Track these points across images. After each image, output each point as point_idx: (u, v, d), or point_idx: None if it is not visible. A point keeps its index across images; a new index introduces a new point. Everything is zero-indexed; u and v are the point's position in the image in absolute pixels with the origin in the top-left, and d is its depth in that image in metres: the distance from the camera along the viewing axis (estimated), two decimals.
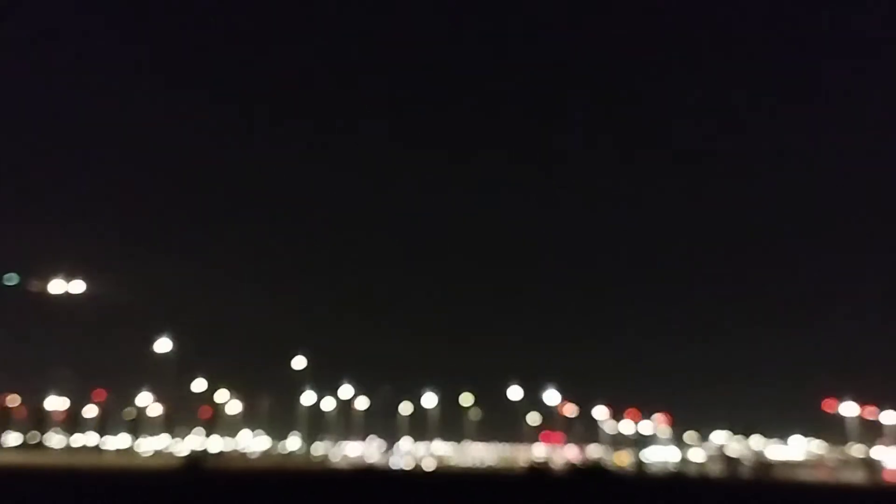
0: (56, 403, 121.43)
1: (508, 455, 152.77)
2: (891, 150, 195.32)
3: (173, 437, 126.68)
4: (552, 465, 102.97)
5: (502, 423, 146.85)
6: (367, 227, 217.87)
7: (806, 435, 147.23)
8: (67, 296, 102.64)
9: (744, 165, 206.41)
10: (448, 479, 64.76)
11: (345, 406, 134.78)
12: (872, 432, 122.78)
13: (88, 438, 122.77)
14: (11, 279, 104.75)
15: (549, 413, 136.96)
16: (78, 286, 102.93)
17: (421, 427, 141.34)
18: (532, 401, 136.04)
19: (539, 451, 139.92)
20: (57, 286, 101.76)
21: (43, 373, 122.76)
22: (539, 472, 68.05)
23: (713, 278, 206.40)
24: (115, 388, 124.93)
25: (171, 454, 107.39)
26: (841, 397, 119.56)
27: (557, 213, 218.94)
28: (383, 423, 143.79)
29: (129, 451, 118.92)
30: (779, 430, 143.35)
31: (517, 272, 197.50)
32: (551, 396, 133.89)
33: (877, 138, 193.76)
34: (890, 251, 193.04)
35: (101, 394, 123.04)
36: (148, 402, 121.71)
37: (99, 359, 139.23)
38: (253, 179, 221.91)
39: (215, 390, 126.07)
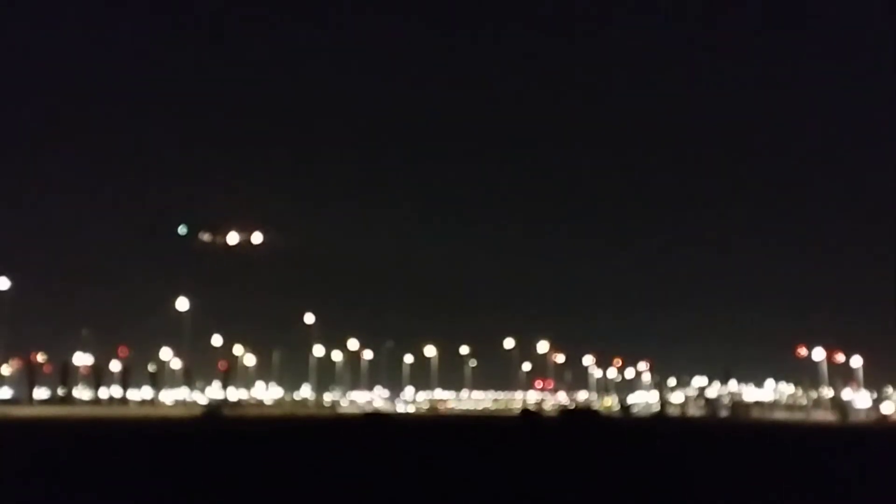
0: (82, 360, 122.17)
1: (503, 401, 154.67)
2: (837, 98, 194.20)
3: (193, 389, 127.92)
4: (543, 410, 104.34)
5: (498, 372, 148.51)
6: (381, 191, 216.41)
7: (779, 379, 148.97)
8: (244, 247, 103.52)
9: (715, 118, 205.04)
10: (448, 423, 65.84)
11: (352, 358, 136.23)
12: (842, 375, 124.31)
13: (113, 392, 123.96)
14: (182, 230, 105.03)
15: (540, 362, 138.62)
16: (257, 237, 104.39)
17: (423, 376, 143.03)
18: (525, 351, 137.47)
19: (532, 397, 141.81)
20: (234, 237, 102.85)
21: (69, 332, 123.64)
22: (531, 415, 69.02)
23: (691, 233, 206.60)
24: (137, 344, 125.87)
25: (191, 404, 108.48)
26: (812, 343, 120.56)
27: (547, 171, 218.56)
28: (388, 374, 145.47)
29: (152, 402, 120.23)
30: (754, 375, 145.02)
31: (511, 233, 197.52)
32: (543, 347, 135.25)
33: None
34: (859, 201, 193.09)
35: (124, 350, 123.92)
36: (168, 357, 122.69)
37: (122, 317, 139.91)
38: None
39: (232, 345, 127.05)
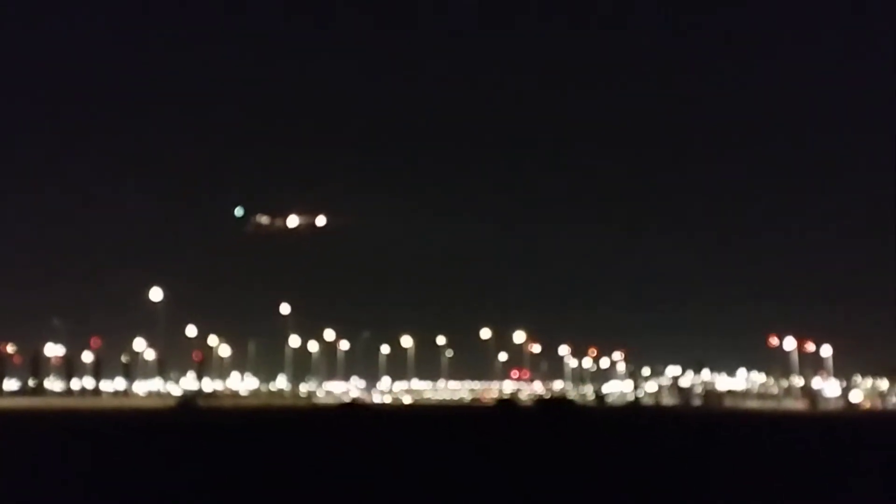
0: (54, 350, 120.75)
1: (479, 391, 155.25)
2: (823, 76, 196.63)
3: (167, 380, 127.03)
4: (519, 399, 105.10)
5: (474, 362, 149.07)
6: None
7: (750, 368, 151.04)
8: (305, 229, 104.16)
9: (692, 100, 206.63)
10: (424, 413, 66.15)
11: (328, 348, 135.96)
12: (812, 365, 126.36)
13: (85, 383, 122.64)
14: (239, 212, 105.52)
15: (516, 352, 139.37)
16: (321, 220, 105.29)
17: (399, 367, 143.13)
18: (501, 341, 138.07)
19: (508, 387, 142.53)
20: (294, 220, 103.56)
21: (39, 321, 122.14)
22: (507, 404, 69.56)
23: (664, 226, 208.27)
24: (110, 334, 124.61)
25: (165, 396, 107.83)
26: (783, 333, 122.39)
27: (524, 167, 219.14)
28: (364, 364, 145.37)
29: (125, 393, 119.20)
30: (726, 364, 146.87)
31: (487, 226, 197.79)
32: (519, 337, 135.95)
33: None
34: (828, 193, 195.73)
35: (96, 341, 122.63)
36: (142, 347, 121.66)
37: (95, 307, 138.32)
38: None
39: (206, 336, 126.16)
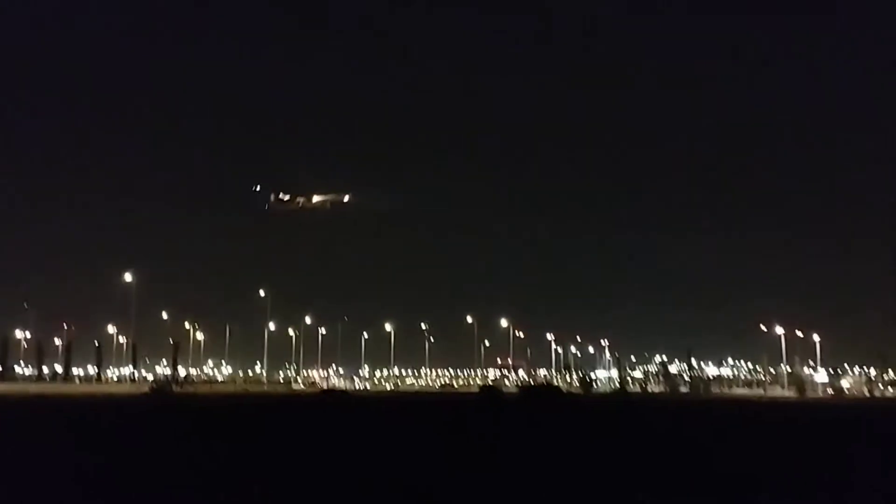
0: (23, 335, 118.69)
1: (463, 378, 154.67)
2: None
3: (140, 365, 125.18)
4: (503, 386, 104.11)
5: (457, 349, 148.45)
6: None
7: (738, 356, 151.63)
8: (325, 205, 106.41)
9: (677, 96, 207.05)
10: (406, 400, 64.91)
11: (308, 334, 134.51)
12: (800, 352, 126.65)
13: (57, 369, 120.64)
14: (256, 187, 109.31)
15: (500, 339, 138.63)
16: (344, 196, 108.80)
17: (382, 353, 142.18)
18: (485, 329, 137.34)
19: (492, 375, 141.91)
20: (317, 197, 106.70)
21: (9, 305, 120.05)
22: (491, 392, 68.37)
23: (653, 217, 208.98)
24: (81, 319, 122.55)
25: (139, 381, 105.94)
26: (772, 321, 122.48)
27: (514, 162, 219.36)
28: (345, 350, 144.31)
29: (98, 379, 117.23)
30: (714, 352, 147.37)
31: (473, 211, 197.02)
32: (503, 324, 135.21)
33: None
34: (819, 187, 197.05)
35: (67, 325, 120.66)
36: (114, 332, 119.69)
37: (66, 292, 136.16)
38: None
39: (183, 321, 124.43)
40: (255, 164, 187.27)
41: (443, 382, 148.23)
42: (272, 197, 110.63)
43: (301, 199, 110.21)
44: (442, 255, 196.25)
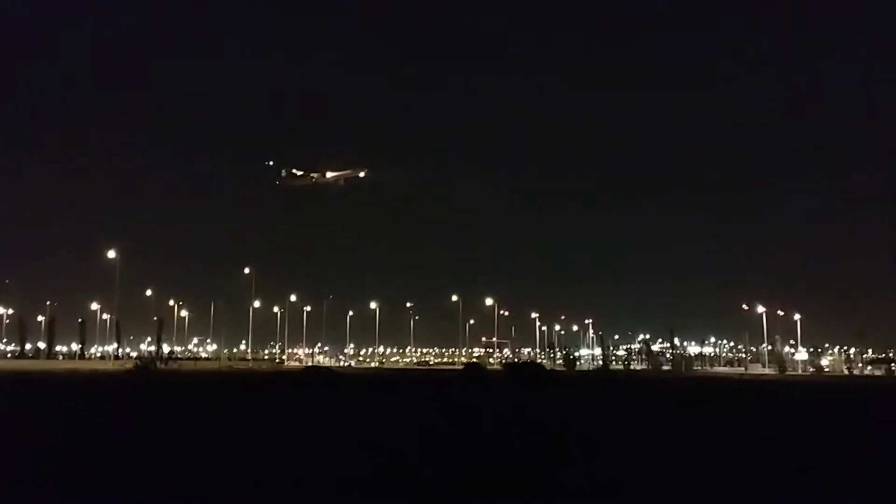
0: (5, 312, 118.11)
1: (448, 356, 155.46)
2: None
3: (124, 342, 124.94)
4: (488, 364, 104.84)
5: (443, 327, 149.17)
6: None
7: (720, 334, 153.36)
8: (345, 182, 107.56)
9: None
10: (391, 377, 65.30)
11: (292, 312, 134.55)
12: (781, 331, 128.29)
13: (40, 345, 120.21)
14: (269, 161, 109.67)
15: (485, 317, 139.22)
16: (362, 172, 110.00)
17: (367, 331, 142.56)
18: (470, 307, 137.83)
19: (477, 352, 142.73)
20: (331, 173, 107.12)
21: None
22: (474, 369, 68.87)
23: (638, 198, 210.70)
24: (64, 296, 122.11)
25: (123, 358, 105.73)
26: (752, 301, 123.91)
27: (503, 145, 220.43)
28: (330, 328, 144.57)
29: (81, 355, 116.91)
30: (697, 330, 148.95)
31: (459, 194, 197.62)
32: (488, 303, 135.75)
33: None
34: (801, 173, 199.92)
35: (50, 302, 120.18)
36: (97, 309, 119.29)
37: (48, 270, 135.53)
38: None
39: (167, 298, 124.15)
40: (254, 165, 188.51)
41: (417, 360, 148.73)
42: (283, 172, 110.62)
43: (315, 175, 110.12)
44: (433, 239, 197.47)
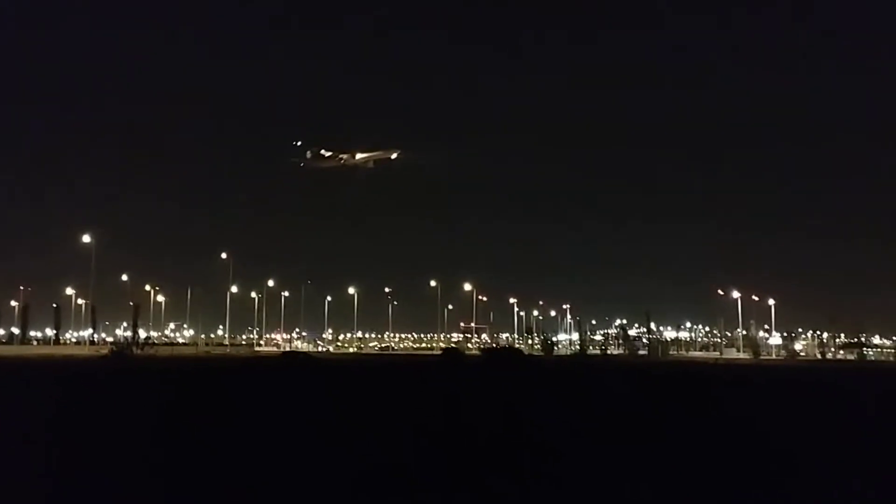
0: None
1: (427, 341, 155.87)
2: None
3: (100, 328, 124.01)
4: (466, 349, 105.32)
5: (421, 313, 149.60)
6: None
7: (696, 319, 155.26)
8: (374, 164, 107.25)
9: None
10: (368, 362, 65.50)
11: (270, 298, 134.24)
12: (756, 316, 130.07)
13: (14, 331, 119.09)
14: (297, 142, 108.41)
15: (464, 303, 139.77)
16: (394, 153, 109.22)
17: (345, 316, 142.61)
18: (449, 292, 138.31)
19: (455, 338, 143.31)
20: (362, 155, 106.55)
21: None
22: (452, 353, 69.22)
23: (619, 182, 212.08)
24: (39, 281, 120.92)
25: (98, 343, 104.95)
26: (728, 287, 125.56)
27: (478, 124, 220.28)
28: (308, 314, 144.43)
29: (56, 341, 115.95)
30: (673, 315, 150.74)
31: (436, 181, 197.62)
32: (467, 288, 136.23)
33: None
34: (775, 161, 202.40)
35: (24, 288, 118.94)
36: (72, 294, 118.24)
37: (22, 255, 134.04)
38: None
39: (143, 283, 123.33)
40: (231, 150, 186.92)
41: (380, 346, 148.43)
42: (308, 153, 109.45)
43: (344, 156, 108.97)
44: (411, 224, 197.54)
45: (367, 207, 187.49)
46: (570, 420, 17.37)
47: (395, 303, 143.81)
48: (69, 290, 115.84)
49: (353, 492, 9.74)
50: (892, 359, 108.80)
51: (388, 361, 65.27)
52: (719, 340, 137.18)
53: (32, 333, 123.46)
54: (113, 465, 11.21)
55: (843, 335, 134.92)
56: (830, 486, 10.49)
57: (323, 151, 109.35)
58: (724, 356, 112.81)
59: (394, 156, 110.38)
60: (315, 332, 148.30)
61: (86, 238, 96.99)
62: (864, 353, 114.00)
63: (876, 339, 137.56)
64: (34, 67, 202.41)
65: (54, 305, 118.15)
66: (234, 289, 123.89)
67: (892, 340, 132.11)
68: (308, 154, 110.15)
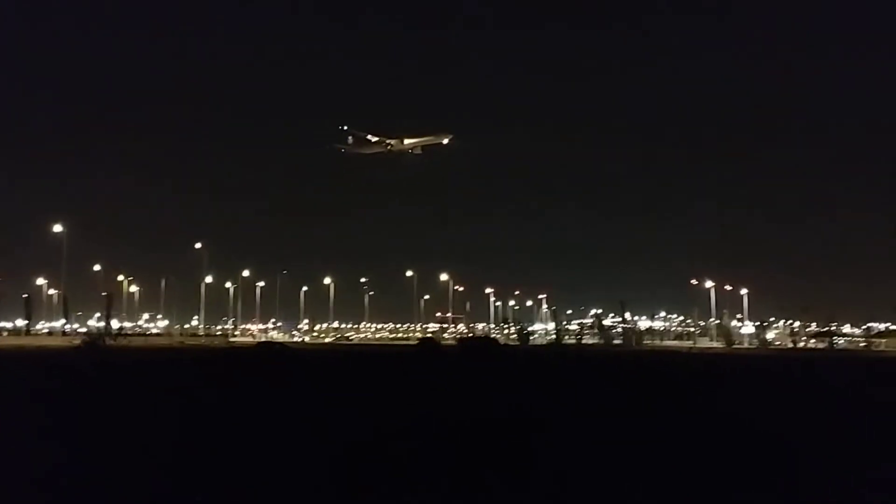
0: None
1: (403, 331, 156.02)
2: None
3: (72, 318, 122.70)
4: (442, 339, 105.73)
5: (398, 303, 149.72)
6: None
7: (670, 309, 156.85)
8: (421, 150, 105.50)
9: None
10: (345, 353, 65.61)
11: (246, 288, 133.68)
12: (729, 306, 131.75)
13: None
14: (343, 126, 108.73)
15: (440, 293, 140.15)
16: (445, 138, 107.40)
17: (321, 307, 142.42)
18: (425, 283, 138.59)
19: (432, 328, 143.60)
20: (410, 140, 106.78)
21: None
22: (429, 344, 69.55)
23: (594, 177, 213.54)
24: (9, 271, 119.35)
25: (71, 334, 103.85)
26: (702, 277, 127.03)
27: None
28: (284, 304, 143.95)
29: (27, 332, 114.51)
30: (648, 305, 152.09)
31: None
32: (443, 279, 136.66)
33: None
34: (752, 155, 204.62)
35: None
36: (43, 284, 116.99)
37: None
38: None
39: (115, 274, 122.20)
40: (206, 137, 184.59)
41: (336, 336, 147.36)
42: (350, 139, 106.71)
43: (392, 142, 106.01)
44: (387, 209, 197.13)
45: (344, 197, 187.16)
46: (543, 405, 17.72)
47: (372, 293, 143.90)
48: (40, 280, 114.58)
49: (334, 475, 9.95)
50: (859, 347, 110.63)
51: (366, 352, 65.40)
52: (693, 330, 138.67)
53: (3, 324, 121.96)
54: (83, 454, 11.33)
55: (814, 324, 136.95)
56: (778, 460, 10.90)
57: (370, 136, 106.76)
58: (697, 345, 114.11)
59: (445, 140, 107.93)
60: (291, 323, 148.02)
61: (57, 228, 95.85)
62: (834, 342, 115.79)
63: (846, 329, 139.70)
64: None
65: (24, 295, 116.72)
66: (208, 279, 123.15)
67: (862, 329, 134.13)
68: (350, 139, 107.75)
